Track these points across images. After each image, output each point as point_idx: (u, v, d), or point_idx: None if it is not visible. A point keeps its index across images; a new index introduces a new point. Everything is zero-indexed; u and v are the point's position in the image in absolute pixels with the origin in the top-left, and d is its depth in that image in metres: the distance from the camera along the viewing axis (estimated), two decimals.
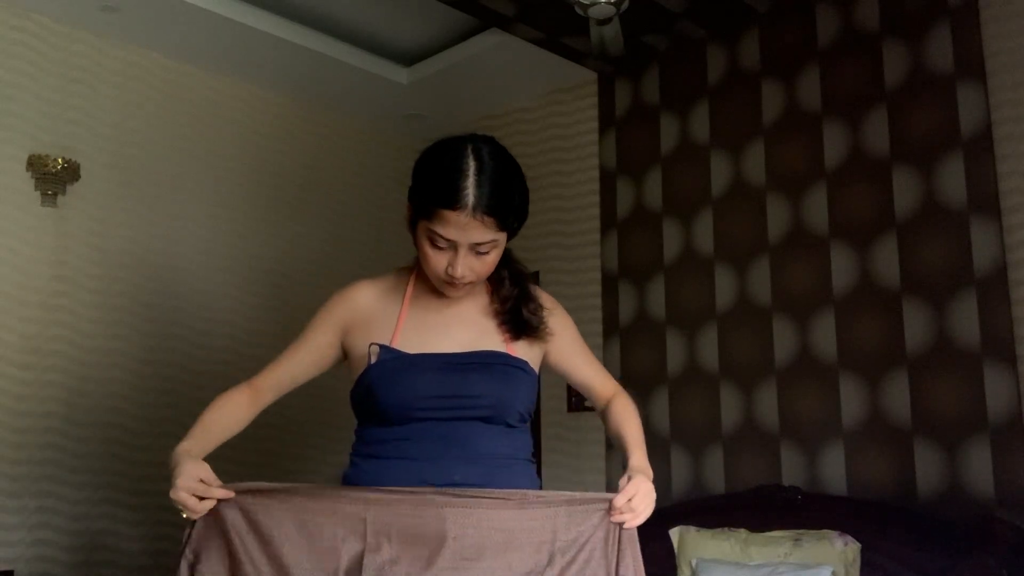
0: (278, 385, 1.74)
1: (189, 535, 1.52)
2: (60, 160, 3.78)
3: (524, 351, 1.74)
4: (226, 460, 1.80)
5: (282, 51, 4.28)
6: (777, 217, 3.76)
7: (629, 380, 4.11)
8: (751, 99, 3.89)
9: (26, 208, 3.77)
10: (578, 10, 3.20)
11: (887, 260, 3.42)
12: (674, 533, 3.48)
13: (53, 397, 3.74)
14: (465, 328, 1.72)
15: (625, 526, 1.64)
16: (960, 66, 3.33)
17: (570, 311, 1.85)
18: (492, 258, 1.63)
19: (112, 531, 3.83)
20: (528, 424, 1.77)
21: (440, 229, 1.57)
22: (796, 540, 3.18)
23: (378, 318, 1.72)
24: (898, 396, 3.32)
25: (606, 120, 4.41)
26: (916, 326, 3.32)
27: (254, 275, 4.40)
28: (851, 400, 3.45)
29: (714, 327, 3.87)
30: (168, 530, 3.99)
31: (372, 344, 1.67)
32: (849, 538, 3.09)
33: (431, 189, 1.57)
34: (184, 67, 4.36)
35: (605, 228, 4.32)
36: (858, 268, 3.50)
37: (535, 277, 4.61)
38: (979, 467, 3.10)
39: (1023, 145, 3.21)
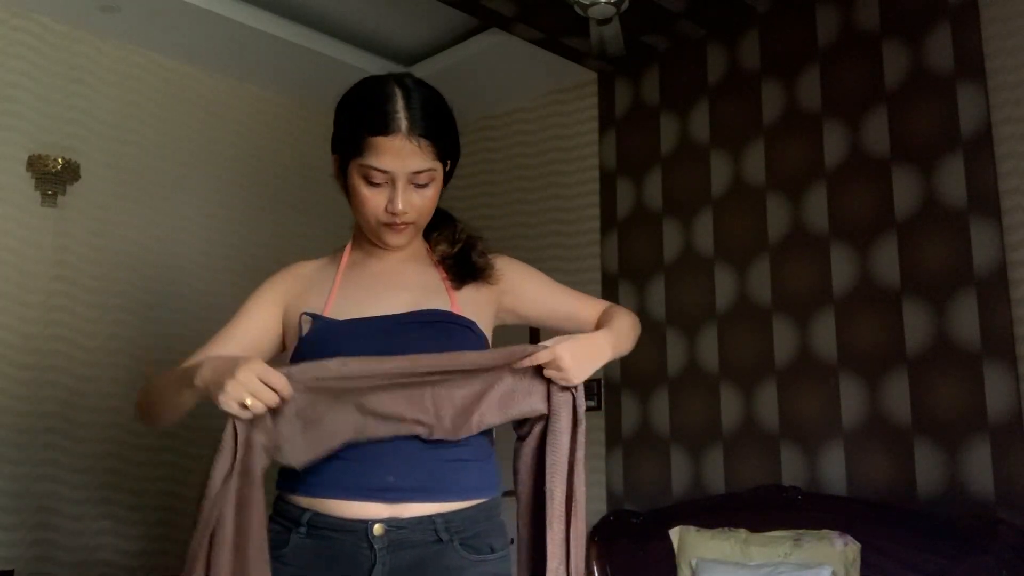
0: None
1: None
2: (60, 160, 3.78)
3: (472, 307, 1.56)
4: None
5: (282, 51, 4.28)
6: (777, 217, 3.76)
7: (629, 380, 4.11)
8: (751, 99, 3.89)
9: (26, 208, 3.77)
10: (578, 10, 3.20)
11: (887, 260, 3.42)
12: (674, 533, 3.48)
13: (53, 397, 3.74)
14: (405, 288, 1.55)
15: (558, 381, 1.45)
16: (960, 66, 3.33)
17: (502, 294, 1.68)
18: (432, 193, 1.51)
19: (112, 531, 3.83)
20: None
21: (374, 160, 1.45)
22: (796, 540, 3.18)
23: (312, 288, 1.57)
24: (898, 396, 3.32)
25: (606, 120, 4.41)
26: (916, 326, 3.32)
27: (254, 275, 4.38)
28: (851, 400, 3.44)
29: (714, 327, 3.87)
30: (168, 530, 3.99)
31: (303, 314, 1.51)
32: (849, 538, 3.09)
33: (360, 121, 1.47)
34: (184, 67, 4.36)
35: (605, 228, 4.32)
36: (858, 268, 3.50)
37: None
38: (979, 467, 3.10)
39: (1023, 145, 3.21)
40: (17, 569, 3.53)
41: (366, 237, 1.58)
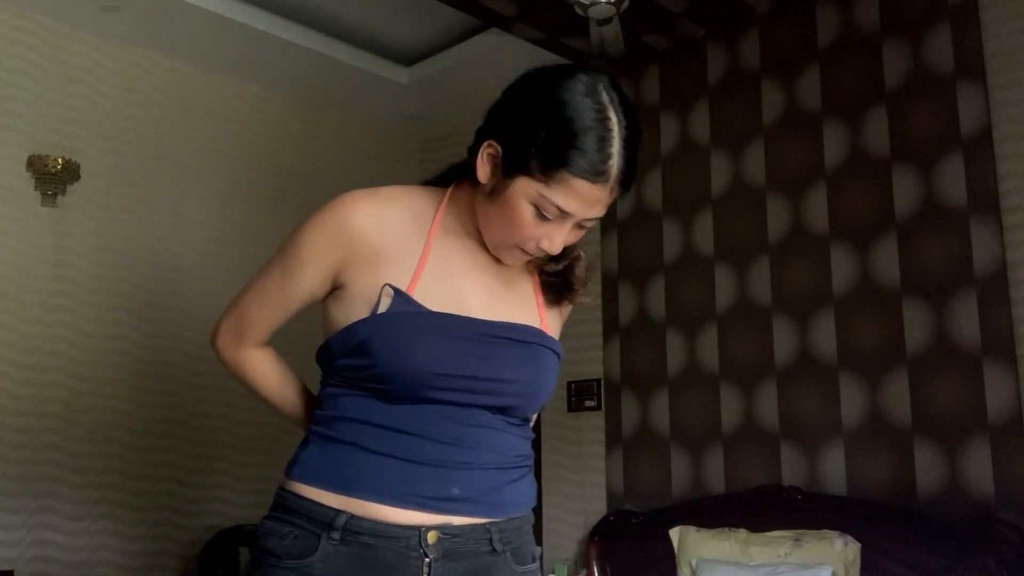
0: (273, 331, 1.45)
1: None
2: (60, 160, 3.78)
3: (555, 329, 1.42)
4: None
5: (282, 51, 4.28)
6: (777, 217, 3.76)
7: (629, 380, 4.11)
8: (751, 99, 3.89)
9: (26, 208, 3.77)
10: (578, 10, 3.20)
11: (887, 260, 3.42)
12: (674, 533, 3.49)
13: (53, 397, 3.74)
14: (500, 286, 1.36)
15: None
16: (960, 66, 3.33)
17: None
18: (584, 233, 1.33)
19: (112, 531, 3.83)
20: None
21: (562, 200, 1.22)
22: (796, 540, 3.18)
23: (391, 252, 1.30)
24: (898, 396, 3.32)
25: None
26: (916, 326, 3.32)
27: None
28: (851, 400, 3.44)
29: (714, 327, 3.87)
30: (168, 530, 3.99)
31: (386, 285, 1.27)
32: (849, 538, 3.09)
33: (568, 148, 1.20)
34: (184, 67, 4.36)
35: (605, 228, 4.32)
36: (858, 268, 3.50)
37: None
38: (979, 467, 3.10)
39: (1023, 145, 3.21)
40: (17, 569, 3.53)
41: (470, 213, 1.35)
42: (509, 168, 1.24)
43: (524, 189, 1.23)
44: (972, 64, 3.31)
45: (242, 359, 1.45)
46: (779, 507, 3.41)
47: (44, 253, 3.80)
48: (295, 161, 4.72)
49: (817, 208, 3.64)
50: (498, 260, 1.36)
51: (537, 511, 5.05)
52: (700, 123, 4.06)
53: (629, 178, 1.26)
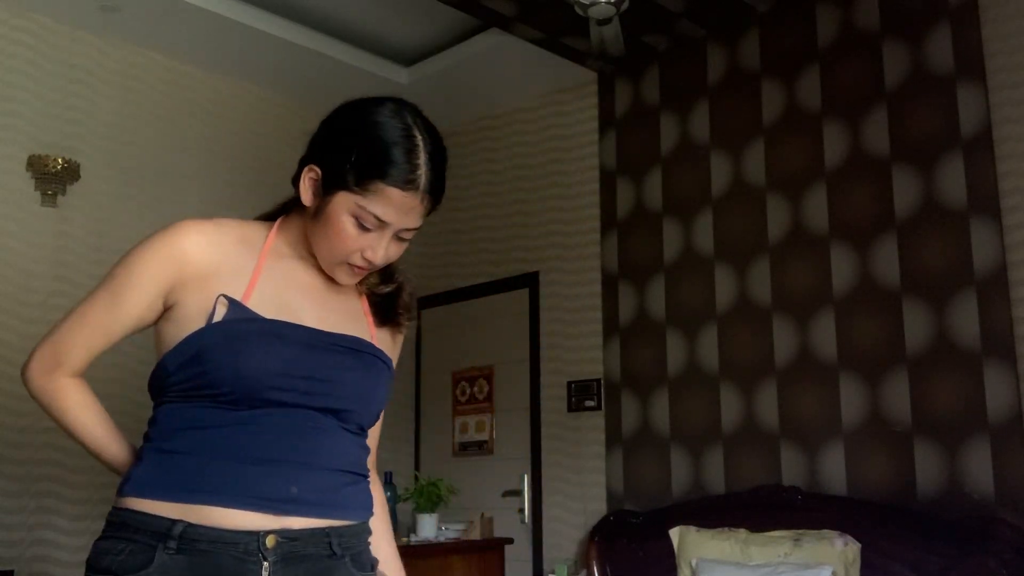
0: (91, 359, 1.44)
1: None
2: (60, 160, 3.78)
3: (386, 347, 1.48)
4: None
5: (282, 51, 4.29)
6: (777, 217, 3.76)
7: (629, 380, 4.11)
8: (751, 99, 3.89)
9: (26, 208, 3.77)
10: (578, 10, 3.20)
11: (887, 260, 3.42)
12: (674, 533, 3.49)
13: None
14: (331, 302, 1.43)
15: None
16: (960, 66, 3.33)
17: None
18: (405, 245, 1.41)
19: None
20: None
21: (379, 209, 1.32)
22: (796, 540, 3.18)
23: (224, 267, 1.37)
24: (898, 396, 3.32)
25: (606, 120, 4.41)
26: (916, 326, 3.32)
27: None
28: (851, 400, 3.44)
29: (714, 327, 3.87)
30: None
31: (220, 296, 1.32)
32: (849, 538, 3.09)
33: (377, 161, 1.32)
34: (184, 67, 4.36)
35: (605, 228, 4.32)
36: (858, 268, 3.50)
37: (535, 277, 4.62)
38: (979, 467, 3.10)
39: (1023, 145, 3.21)
40: (17, 569, 3.53)
41: (301, 239, 1.44)
42: (328, 185, 1.35)
43: (344, 203, 1.34)
44: (972, 64, 3.31)
45: (55, 387, 1.44)
46: (779, 507, 3.41)
47: (44, 253, 3.80)
48: (295, 161, 4.69)
49: (817, 208, 3.64)
50: (330, 281, 1.43)
51: (537, 511, 5.06)
52: (700, 123, 4.06)
53: (438, 190, 1.36)
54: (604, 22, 3.28)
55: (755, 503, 3.50)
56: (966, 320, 3.20)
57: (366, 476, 1.43)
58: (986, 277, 3.18)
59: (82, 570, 1.31)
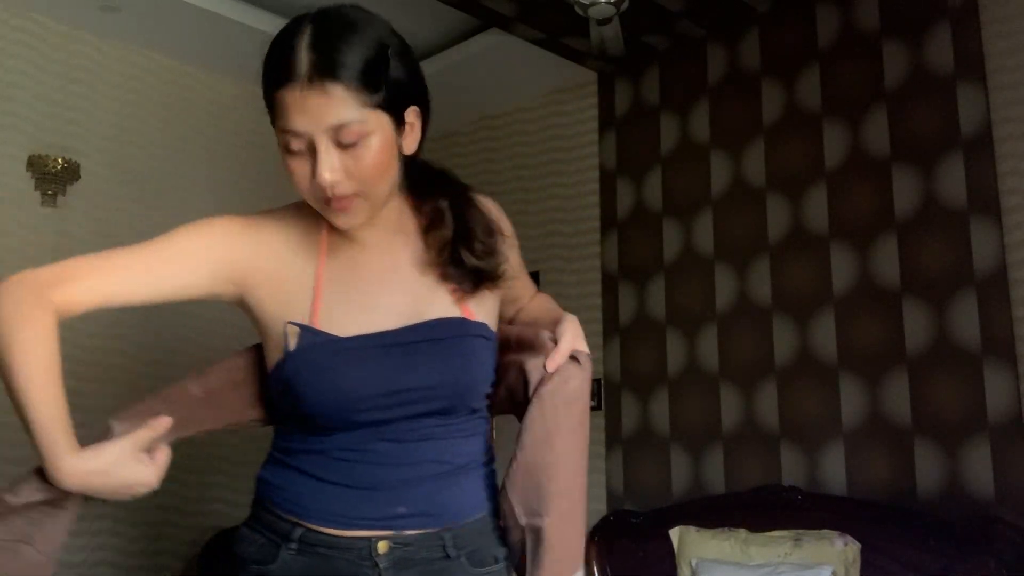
0: (98, 305, 1.29)
1: None
2: (60, 160, 3.78)
3: (481, 305, 1.34)
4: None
5: None
6: (777, 217, 3.76)
7: (629, 380, 4.11)
8: (751, 99, 3.89)
9: (26, 208, 3.77)
10: (578, 10, 3.20)
11: (887, 260, 3.42)
12: (674, 533, 3.49)
13: None
14: (401, 286, 1.30)
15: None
16: (960, 66, 3.33)
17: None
18: (370, 153, 1.18)
19: (112, 531, 3.83)
20: (487, 404, 1.37)
21: (282, 120, 1.17)
22: (796, 540, 3.18)
23: (287, 278, 1.28)
24: (898, 396, 3.32)
25: (606, 120, 4.41)
26: (916, 326, 3.32)
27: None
28: (851, 400, 3.45)
29: (714, 327, 3.87)
30: (168, 530, 3.99)
31: (288, 324, 1.25)
32: (849, 538, 3.09)
33: (264, 76, 1.19)
34: (184, 67, 4.36)
35: (605, 228, 4.32)
36: (858, 268, 3.50)
37: (535, 277, 4.61)
38: (979, 467, 3.10)
39: (1023, 145, 3.21)
40: None
41: None
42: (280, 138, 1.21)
43: (280, 143, 1.22)
44: (972, 64, 3.31)
45: (30, 301, 1.25)
46: (779, 507, 3.41)
47: (44, 253, 3.80)
48: None
49: (817, 208, 3.64)
50: (395, 256, 1.32)
51: None
52: (700, 123, 4.06)
53: (331, 65, 1.14)
54: (604, 22, 3.28)
55: (755, 503, 3.50)
56: (966, 320, 3.20)
57: (483, 464, 1.35)
58: (986, 277, 3.18)
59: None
